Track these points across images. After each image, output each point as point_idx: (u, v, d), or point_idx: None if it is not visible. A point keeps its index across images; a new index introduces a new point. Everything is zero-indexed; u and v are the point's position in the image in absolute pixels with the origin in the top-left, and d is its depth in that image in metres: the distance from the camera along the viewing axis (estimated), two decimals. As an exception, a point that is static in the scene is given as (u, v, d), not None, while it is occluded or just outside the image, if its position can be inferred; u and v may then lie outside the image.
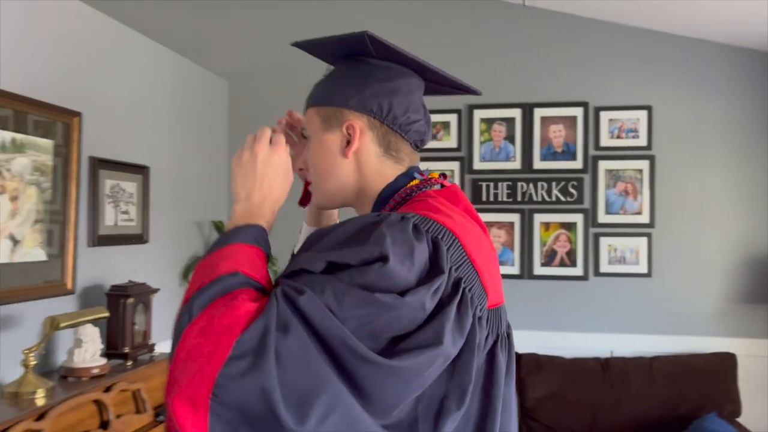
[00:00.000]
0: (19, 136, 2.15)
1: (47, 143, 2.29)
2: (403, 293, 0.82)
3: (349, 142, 1.03)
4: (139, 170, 2.89)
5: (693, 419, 3.11)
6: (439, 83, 1.12)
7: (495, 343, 0.94)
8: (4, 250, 2.10)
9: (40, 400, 1.95)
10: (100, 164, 2.60)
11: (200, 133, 3.58)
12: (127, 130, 2.84)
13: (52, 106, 2.29)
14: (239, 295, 0.83)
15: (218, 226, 3.60)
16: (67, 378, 2.21)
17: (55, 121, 2.32)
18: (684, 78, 3.54)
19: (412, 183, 1.03)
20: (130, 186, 2.83)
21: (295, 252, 1.08)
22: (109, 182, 2.67)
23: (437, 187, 1.04)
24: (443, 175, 1.07)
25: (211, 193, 3.67)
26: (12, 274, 2.13)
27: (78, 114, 2.42)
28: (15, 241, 2.15)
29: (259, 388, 0.76)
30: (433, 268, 0.87)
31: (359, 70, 1.04)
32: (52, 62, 2.36)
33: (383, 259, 0.83)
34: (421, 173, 1.06)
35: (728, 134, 3.51)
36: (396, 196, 1.03)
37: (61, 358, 2.34)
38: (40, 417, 1.88)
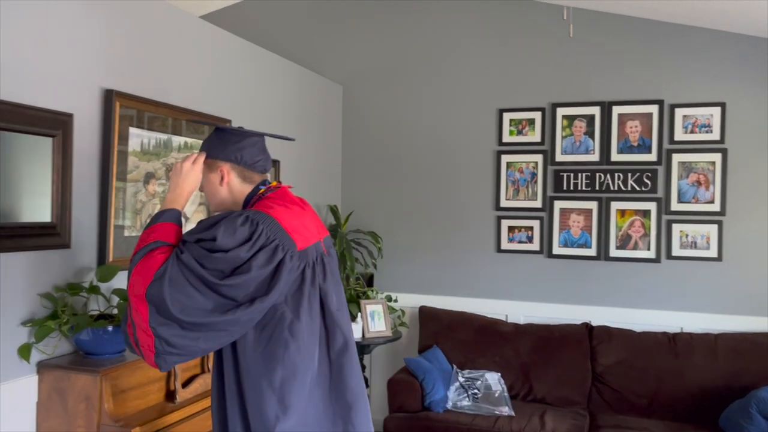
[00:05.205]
0: (189, 140, 2.88)
1: (207, 144, 3.01)
2: (227, 251, 1.59)
3: (222, 178, 1.79)
4: (274, 163, 3.59)
5: (752, 389, 3.40)
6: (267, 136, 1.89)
7: (305, 266, 1.69)
8: (179, 224, 2.85)
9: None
10: (243, 159, 3.31)
11: (320, 131, 4.25)
12: (264, 130, 3.53)
13: (211, 116, 3.01)
14: (156, 251, 1.64)
15: (332, 209, 4.27)
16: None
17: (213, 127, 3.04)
18: (757, 76, 3.78)
19: (260, 192, 1.80)
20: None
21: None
22: (249, 173, 3.39)
23: (274, 190, 1.80)
24: (279, 182, 1.85)
25: (327, 181, 4.35)
26: (184, 242, 2.88)
27: (229, 121, 3.14)
28: (185, 218, 2.90)
29: (160, 292, 1.57)
30: (251, 238, 1.61)
31: (224, 138, 1.82)
32: (214, 85, 3.08)
33: (214, 238, 1.60)
34: (265, 185, 1.82)
35: (800, 129, 3.73)
36: (251, 201, 1.80)
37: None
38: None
